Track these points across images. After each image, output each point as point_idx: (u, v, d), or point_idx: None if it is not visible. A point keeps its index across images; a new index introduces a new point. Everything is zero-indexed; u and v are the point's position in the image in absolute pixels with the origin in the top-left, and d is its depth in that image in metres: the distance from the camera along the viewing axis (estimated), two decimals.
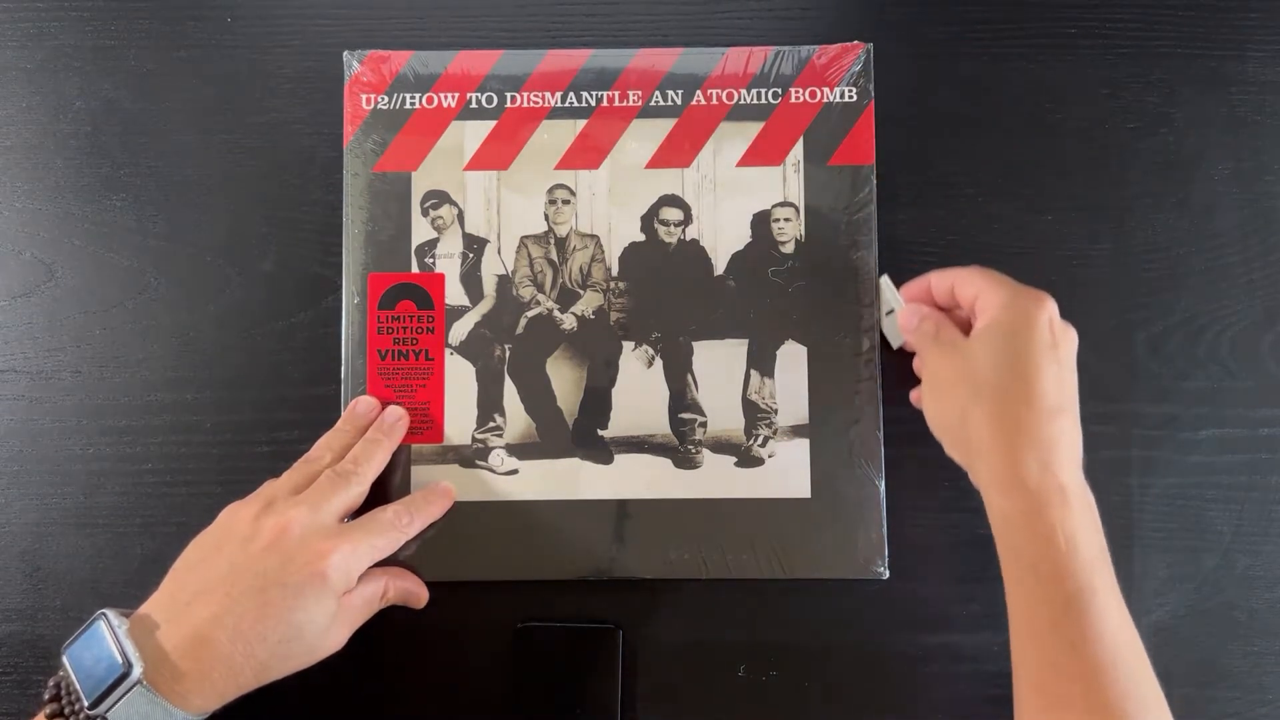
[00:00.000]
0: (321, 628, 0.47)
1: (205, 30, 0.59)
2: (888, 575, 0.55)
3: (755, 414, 0.56)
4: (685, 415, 0.56)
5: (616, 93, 0.57)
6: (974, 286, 0.50)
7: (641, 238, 0.57)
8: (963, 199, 0.58)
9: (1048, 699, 0.44)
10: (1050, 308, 0.49)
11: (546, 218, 0.57)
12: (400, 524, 0.52)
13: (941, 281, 0.52)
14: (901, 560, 0.55)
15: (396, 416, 0.55)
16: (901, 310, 0.54)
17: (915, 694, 0.56)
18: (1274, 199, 0.58)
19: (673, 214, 0.57)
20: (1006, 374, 0.47)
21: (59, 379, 0.57)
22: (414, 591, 0.54)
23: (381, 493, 0.54)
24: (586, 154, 0.57)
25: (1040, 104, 0.58)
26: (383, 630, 0.55)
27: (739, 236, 0.57)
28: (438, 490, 0.55)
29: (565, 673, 0.55)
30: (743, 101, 0.57)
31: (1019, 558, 0.46)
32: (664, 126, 0.57)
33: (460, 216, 0.57)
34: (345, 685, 0.55)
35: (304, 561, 0.46)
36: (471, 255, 0.57)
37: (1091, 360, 0.57)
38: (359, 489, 0.51)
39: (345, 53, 0.58)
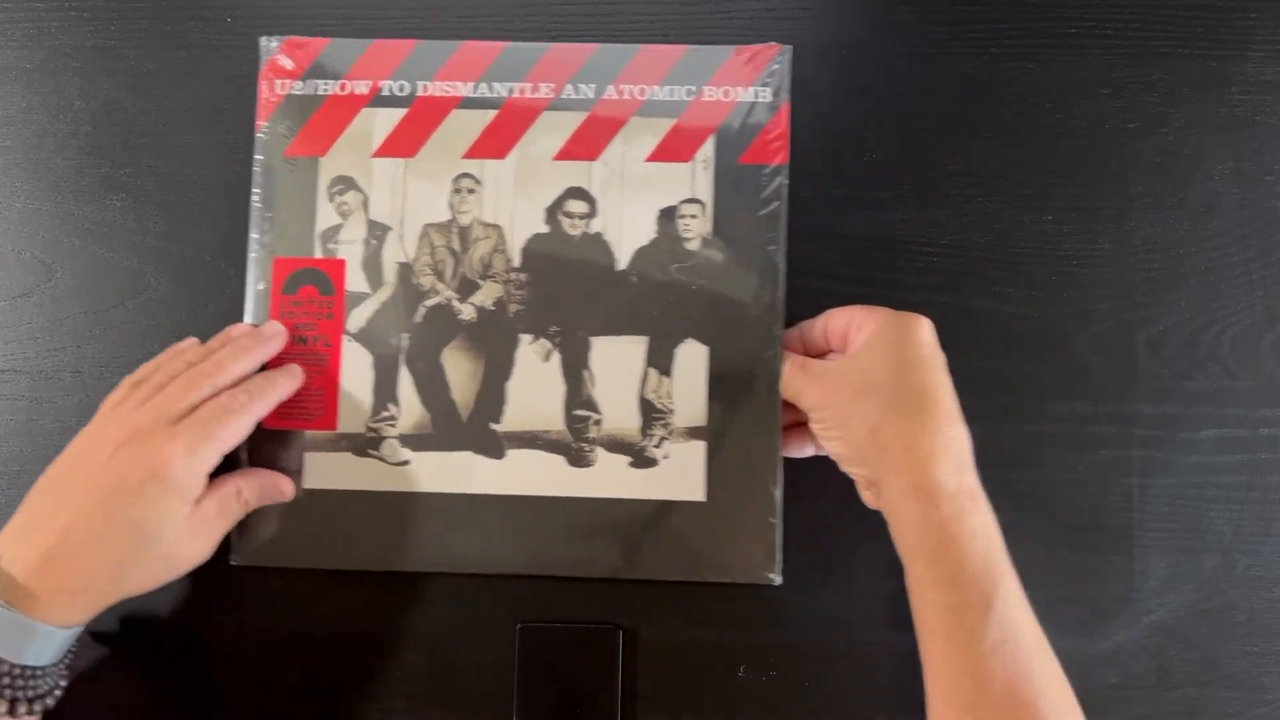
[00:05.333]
0: (172, 532, 0.47)
1: (205, 30, 0.59)
2: (780, 582, 0.55)
3: (651, 413, 0.55)
4: (580, 412, 0.56)
5: (529, 85, 0.57)
6: (845, 316, 0.51)
7: (545, 229, 0.56)
8: (963, 199, 0.58)
9: (966, 700, 0.45)
10: (929, 324, 0.50)
11: (451, 206, 0.57)
12: (237, 406, 0.49)
13: (810, 327, 0.54)
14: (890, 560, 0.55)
15: (275, 331, 0.54)
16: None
17: (916, 694, 0.55)
18: (1274, 199, 0.58)
19: (578, 206, 0.56)
20: (905, 382, 0.48)
21: (59, 379, 0.57)
22: (273, 486, 0.53)
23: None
24: (495, 144, 0.57)
25: (1040, 104, 0.58)
26: (381, 629, 0.55)
27: (644, 232, 0.56)
28: (283, 369, 0.54)
29: (565, 673, 0.55)
30: (655, 98, 0.57)
31: (940, 564, 0.46)
32: (574, 119, 0.57)
33: (365, 203, 0.57)
34: (344, 684, 0.55)
35: (140, 462, 0.46)
36: (374, 242, 0.57)
37: (1091, 360, 0.57)
38: (218, 382, 0.49)
39: (262, 38, 0.57)
